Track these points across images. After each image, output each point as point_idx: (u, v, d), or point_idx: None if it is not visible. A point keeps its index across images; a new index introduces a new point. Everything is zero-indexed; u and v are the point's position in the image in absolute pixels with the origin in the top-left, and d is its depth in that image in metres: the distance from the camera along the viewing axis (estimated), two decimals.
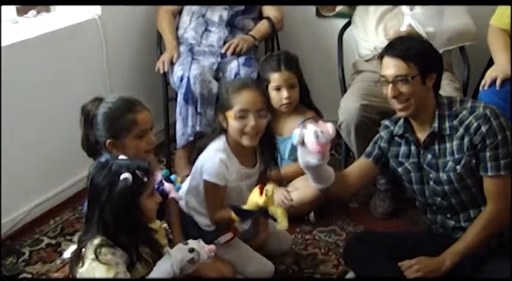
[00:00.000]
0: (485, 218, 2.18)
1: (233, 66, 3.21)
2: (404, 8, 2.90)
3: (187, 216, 2.39)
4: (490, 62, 2.86)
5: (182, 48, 3.30)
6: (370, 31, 3.07)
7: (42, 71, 2.88)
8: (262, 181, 2.35)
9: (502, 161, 2.14)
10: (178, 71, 3.18)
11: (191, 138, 3.15)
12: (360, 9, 3.15)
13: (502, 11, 2.88)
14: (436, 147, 2.23)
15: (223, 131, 2.30)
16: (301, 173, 2.80)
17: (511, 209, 2.17)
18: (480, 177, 2.18)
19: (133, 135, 2.13)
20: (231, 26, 3.32)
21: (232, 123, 2.24)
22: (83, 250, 1.88)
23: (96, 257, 1.83)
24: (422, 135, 2.26)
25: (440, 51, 2.46)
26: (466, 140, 2.16)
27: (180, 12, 3.41)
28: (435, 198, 2.28)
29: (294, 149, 2.87)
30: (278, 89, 2.88)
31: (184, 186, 2.43)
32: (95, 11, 3.15)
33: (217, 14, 3.30)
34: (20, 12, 3.02)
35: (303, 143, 2.06)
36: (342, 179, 2.32)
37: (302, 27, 3.71)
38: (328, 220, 2.92)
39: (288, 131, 2.76)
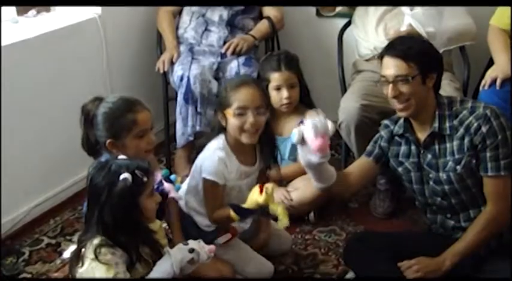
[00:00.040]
0: (485, 219, 2.18)
1: (233, 66, 3.21)
2: (405, 8, 2.90)
3: (187, 216, 2.39)
4: (490, 62, 2.87)
5: (182, 48, 3.30)
6: (370, 31, 3.07)
7: (42, 71, 2.88)
8: (262, 180, 2.35)
9: (502, 161, 2.14)
10: (178, 70, 3.18)
11: (191, 138, 3.15)
12: (360, 9, 3.15)
13: (502, 11, 2.88)
14: (436, 147, 2.23)
15: (223, 129, 2.30)
16: (301, 173, 2.80)
17: (511, 210, 2.17)
18: (480, 177, 2.18)
19: (134, 135, 2.12)
20: (231, 25, 3.32)
21: (232, 121, 2.24)
22: (83, 249, 1.87)
23: (96, 257, 1.83)
24: (422, 135, 2.26)
25: (441, 51, 2.46)
26: (466, 140, 2.16)
27: (180, 12, 3.41)
28: (435, 198, 2.28)
29: (294, 149, 2.88)
30: (278, 88, 2.88)
31: (184, 186, 2.43)
32: (95, 10, 3.15)
33: (217, 13, 3.29)
34: (20, 12, 3.02)
35: (302, 141, 2.06)
36: (343, 178, 2.32)
37: (302, 27, 3.71)
38: (328, 220, 2.92)
39: (288, 131, 2.75)
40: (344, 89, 3.15)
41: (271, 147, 2.39)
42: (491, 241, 2.21)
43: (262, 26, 3.37)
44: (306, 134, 2.04)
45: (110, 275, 1.82)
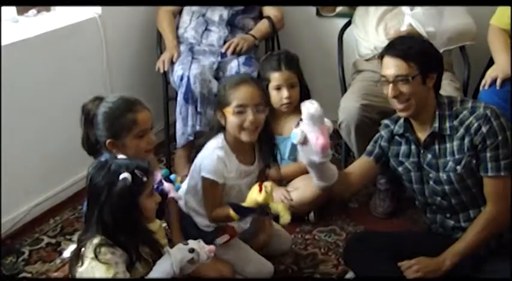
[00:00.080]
0: (485, 219, 2.17)
1: (233, 65, 3.21)
2: (405, 8, 2.90)
3: (187, 216, 2.39)
4: (490, 62, 2.86)
5: (182, 47, 3.30)
6: (370, 31, 3.07)
7: (42, 70, 2.88)
8: (261, 179, 2.35)
9: (502, 161, 2.13)
10: (178, 70, 3.17)
11: (191, 138, 3.15)
12: (360, 9, 3.15)
13: (502, 11, 2.88)
14: (437, 147, 2.23)
15: (222, 128, 2.30)
16: (301, 173, 2.81)
17: (510, 210, 2.17)
18: (480, 177, 2.18)
19: (134, 135, 2.12)
20: (231, 25, 3.32)
21: (231, 119, 2.24)
22: (83, 249, 1.87)
23: (96, 256, 1.83)
24: (422, 135, 2.26)
25: (441, 51, 2.46)
26: (466, 140, 2.16)
27: (180, 12, 3.41)
28: (435, 198, 2.28)
29: (294, 148, 2.88)
30: (278, 88, 2.88)
31: (184, 186, 2.43)
32: (95, 10, 3.15)
33: (218, 13, 3.29)
34: (20, 11, 3.02)
35: (304, 141, 2.06)
36: (344, 177, 2.32)
37: (302, 26, 3.71)
38: (328, 219, 2.92)
39: (288, 130, 2.75)
40: (344, 89, 3.15)
41: (270, 146, 2.39)
42: (491, 241, 2.21)
43: (263, 25, 3.37)
44: (308, 131, 2.04)
45: (110, 274, 1.82)
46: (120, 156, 1.99)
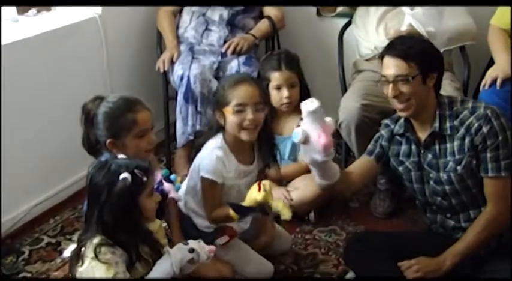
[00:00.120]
0: (485, 219, 2.17)
1: (233, 65, 3.21)
2: (405, 8, 2.90)
3: (186, 217, 2.39)
4: (491, 62, 2.86)
5: (182, 47, 3.29)
6: (370, 31, 3.07)
7: (42, 70, 2.88)
8: (261, 179, 2.34)
9: (503, 162, 2.13)
10: (178, 70, 3.17)
11: (191, 138, 3.15)
12: (361, 9, 3.15)
13: (502, 11, 2.88)
14: (437, 147, 2.23)
15: (221, 128, 2.30)
16: (301, 172, 2.81)
17: (511, 210, 2.17)
18: (480, 178, 2.18)
19: (134, 135, 2.12)
20: (232, 25, 3.32)
21: (231, 119, 2.23)
22: (83, 249, 1.87)
23: (96, 256, 1.83)
24: (423, 135, 2.26)
25: (441, 51, 2.46)
26: (467, 140, 2.16)
27: (180, 12, 3.41)
28: (435, 197, 2.28)
29: (293, 148, 2.88)
30: (278, 88, 2.88)
31: (184, 186, 2.43)
32: (95, 10, 3.14)
33: (218, 13, 3.29)
34: (20, 11, 3.02)
35: (305, 141, 2.05)
36: (345, 176, 2.32)
37: (302, 26, 3.71)
38: (328, 219, 2.92)
39: (288, 130, 2.76)
40: (344, 89, 3.15)
41: (270, 145, 2.38)
42: (492, 242, 2.21)
43: (263, 25, 3.37)
44: (309, 132, 2.04)
45: (110, 274, 1.82)
46: (120, 156, 1.98)
